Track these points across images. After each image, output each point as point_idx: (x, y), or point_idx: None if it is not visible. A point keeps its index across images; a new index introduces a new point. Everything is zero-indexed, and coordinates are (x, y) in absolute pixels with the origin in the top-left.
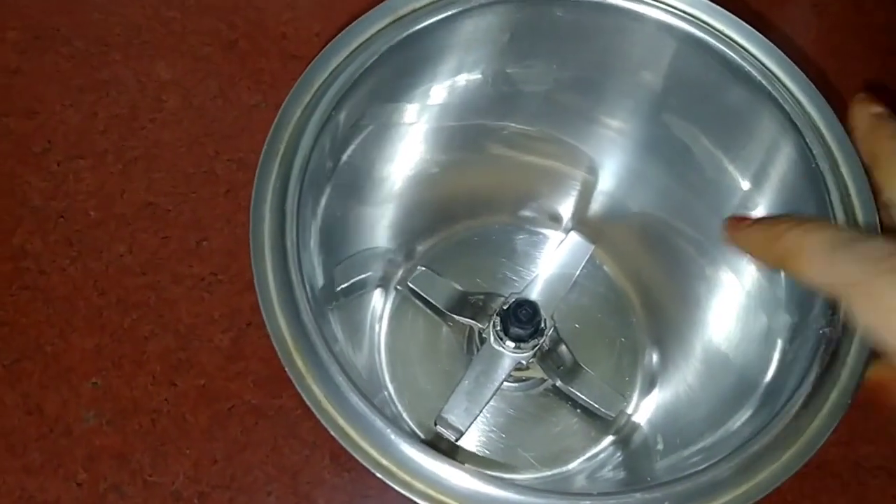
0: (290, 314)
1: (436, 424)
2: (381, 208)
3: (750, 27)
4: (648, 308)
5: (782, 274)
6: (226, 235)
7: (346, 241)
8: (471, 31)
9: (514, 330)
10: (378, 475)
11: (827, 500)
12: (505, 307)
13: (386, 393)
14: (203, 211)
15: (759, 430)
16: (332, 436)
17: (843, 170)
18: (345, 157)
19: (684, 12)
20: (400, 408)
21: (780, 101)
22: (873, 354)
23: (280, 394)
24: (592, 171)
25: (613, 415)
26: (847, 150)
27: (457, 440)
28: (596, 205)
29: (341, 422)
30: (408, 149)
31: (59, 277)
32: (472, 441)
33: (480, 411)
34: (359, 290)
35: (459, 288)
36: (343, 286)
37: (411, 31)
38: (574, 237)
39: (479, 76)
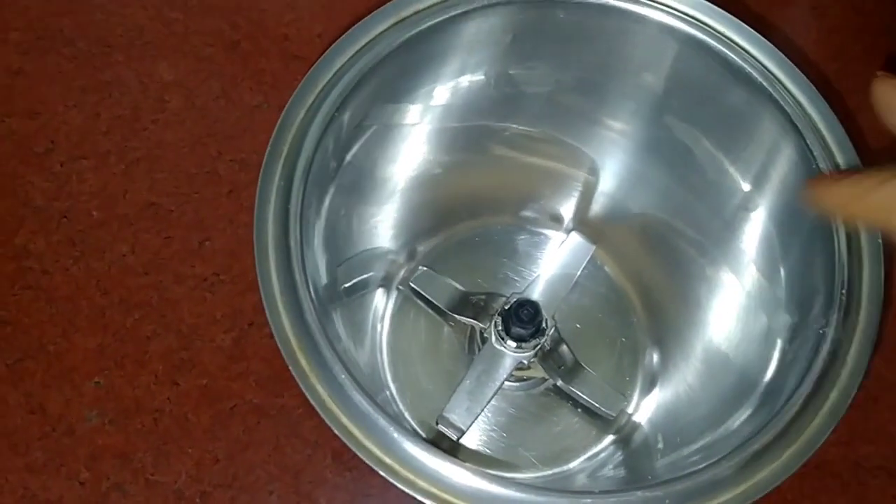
0: (293, 313)
1: (437, 423)
2: (384, 208)
3: (751, 29)
4: (649, 308)
5: (782, 273)
6: (228, 236)
7: (349, 241)
8: (474, 32)
9: (516, 330)
10: (381, 473)
11: (827, 500)
12: (506, 307)
13: (388, 392)
14: (205, 211)
15: (759, 429)
16: (334, 435)
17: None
18: (348, 158)
19: (686, 14)
20: (402, 407)
21: (781, 102)
22: None
23: (282, 393)
24: (594, 172)
25: (614, 414)
26: (847, 152)
27: (458, 439)
28: (597, 206)
29: (345, 420)
30: (411, 149)
31: (61, 277)
32: (473, 440)
33: (482, 410)
34: (361, 290)
35: (461, 288)
36: (346, 286)
37: (414, 32)
38: (575, 238)
39: (482, 77)
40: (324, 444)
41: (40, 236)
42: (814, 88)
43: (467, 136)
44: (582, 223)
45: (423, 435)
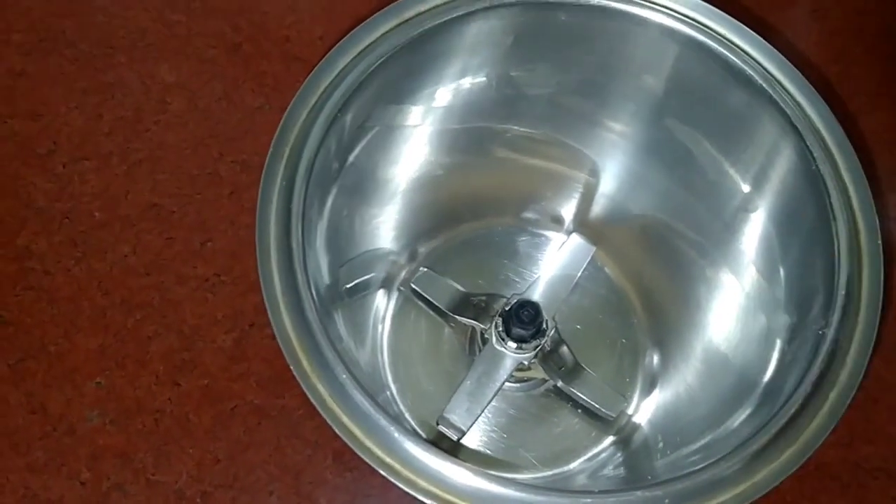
0: (295, 313)
1: (438, 424)
2: (386, 209)
3: (751, 31)
4: (649, 309)
5: (781, 274)
6: (230, 237)
7: (351, 242)
8: (475, 34)
9: (516, 330)
10: (383, 473)
11: (826, 501)
12: (507, 308)
13: (388, 393)
14: (207, 212)
15: (759, 429)
16: (334, 436)
17: (844, 173)
18: (350, 159)
19: (686, 16)
20: (402, 408)
21: (781, 104)
22: None
23: (283, 394)
24: (594, 173)
25: (614, 415)
26: (847, 153)
27: (458, 440)
28: (598, 207)
29: (346, 420)
30: (412, 151)
31: (63, 278)
32: (473, 441)
33: (482, 411)
34: (362, 291)
35: (462, 289)
36: (347, 286)
37: (417, 33)
38: (576, 239)
39: (484, 79)
40: (324, 445)
41: (42, 237)
42: (814, 90)
43: (469, 138)
44: (582, 225)
45: (424, 435)
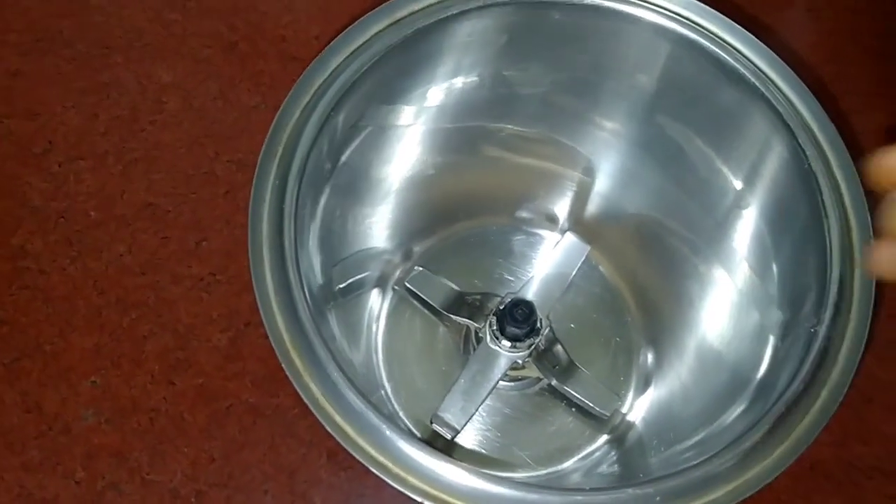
0: (287, 312)
1: (431, 423)
2: (379, 209)
3: (742, 29)
4: (643, 308)
5: (774, 271)
6: (225, 236)
7: (345, 242)
8: (468, 33)
9: (510, 329)
10: (373, 470)
11: (821, 500)
12: (501, 307)
13: (383, 392)
14: (203, 212)
15: (751, 426)
16: (329, 435)
17: (836, 170)
18: (343, 159)
19: (678, 15)
20: (396, 407)
21: (773, 102)
22: None
23: (277, 393)
24: (588, 172)
25: (608, 414)
26: (839, 151)
27: (452, 438)
28: (592, 206)
29: (338, 419)
30: (405, 150)
31: (58, 277)
32: (468, 440)
33: (476, 410)
34: (357, 290)
35: (456, 288)
36: (341, 286)
37: (410, 32)
38: (570, 238)
39: (476, 78)
40: (319, 444)
41: (38, 236)
42: (806, 88)
43: (462, 137)
44: (577, 223)
45: (418, 434)
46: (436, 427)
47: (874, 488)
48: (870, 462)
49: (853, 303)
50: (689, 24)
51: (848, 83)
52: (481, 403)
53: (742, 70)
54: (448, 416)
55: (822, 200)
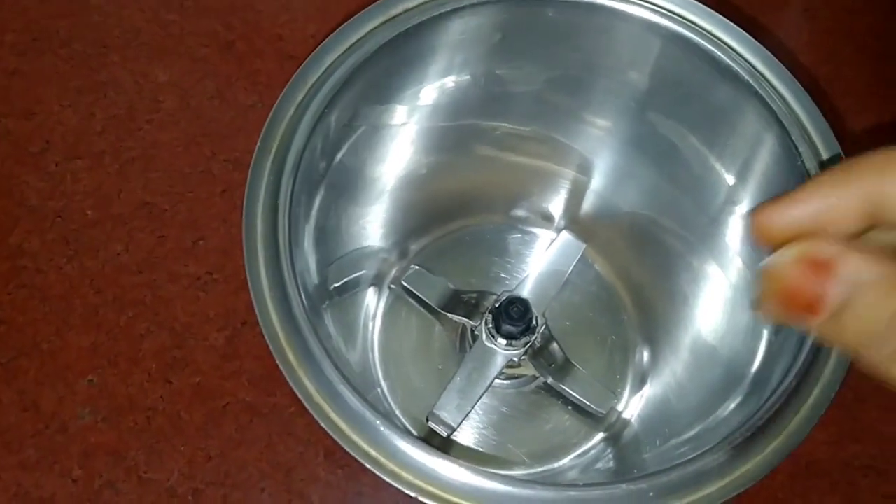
0: (282, 310)
1: (428, 421)
2: (374, 208)
3: (736, 26)
4: (639, 306)
5: None
6: (222, 235)
7: (340, 240)
8: (461, 31)
9: (506, 327)
10: (368, 466)
11: (817, 499)
12: (497, 305)
13: (379, 390)
14: (199, 210)
15: (744, 422)
16: (326, 433)
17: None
18: (337, 158)
19: (670, 11)
20: (393, 405)
21: (766, 98)
22: None
23: (274, 392)
24: (583, 170)
25: (604, 412)
26: (832, 147)
27: (448, 436)
28: (587, 204)
29: (333, 416)
30: (399, 149)
31: (55, 276)
32: (464, 438)
33: (472, 408)
34: (352, 289)
35: (452, 286)
36: (337, 285)
37: (402, 29)
38: (566, 236)
39: (469, 77)
40: (316, 443)
41: (35, 235)
42: (799, 85)
43: (456, 136)
44: (572, 221)
45: (414, 432)
46: (432, 425)
47: (869, 487)
48: (865, 461)
49: None
50: (682, 21)
51: (844, 83)
52: (477, 401)
53: (735, 67)
54: (444, 414)
55: None
